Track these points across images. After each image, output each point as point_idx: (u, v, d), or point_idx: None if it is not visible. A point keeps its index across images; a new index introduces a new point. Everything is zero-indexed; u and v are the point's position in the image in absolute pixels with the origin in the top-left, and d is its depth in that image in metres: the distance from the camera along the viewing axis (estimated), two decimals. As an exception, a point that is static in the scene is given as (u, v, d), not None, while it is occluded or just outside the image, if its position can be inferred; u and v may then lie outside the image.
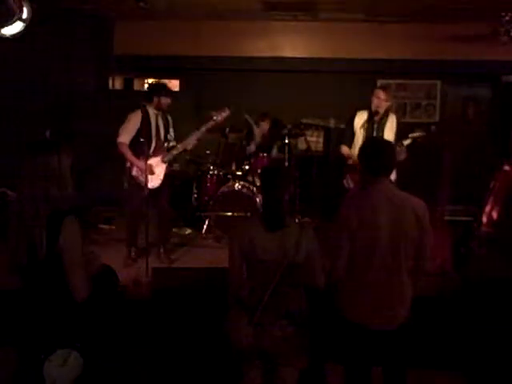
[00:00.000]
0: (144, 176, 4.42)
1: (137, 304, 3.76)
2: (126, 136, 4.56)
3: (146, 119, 4.59)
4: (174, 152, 4.70)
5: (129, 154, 4.56)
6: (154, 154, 4.65)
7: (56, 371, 2.14)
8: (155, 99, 4.60)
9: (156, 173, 4.65)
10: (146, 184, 4.41)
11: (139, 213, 4.68)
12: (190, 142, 4.70)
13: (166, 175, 4.69)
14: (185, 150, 4.81)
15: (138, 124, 4.56)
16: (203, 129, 4.73)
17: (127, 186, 4.68)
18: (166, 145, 4.73)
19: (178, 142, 4.77)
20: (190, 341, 3.48)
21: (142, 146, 4.52)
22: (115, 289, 2.99)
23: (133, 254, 4.78)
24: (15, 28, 3.62)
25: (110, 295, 2.79)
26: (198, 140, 4.76)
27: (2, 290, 2.69)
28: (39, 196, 2.15)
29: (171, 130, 4.83)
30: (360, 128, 4.60)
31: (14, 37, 3.64)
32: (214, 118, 4.74)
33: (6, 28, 3.59)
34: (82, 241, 2.24)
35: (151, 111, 4.65)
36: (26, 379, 2.22)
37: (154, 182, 4.64)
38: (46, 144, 2.33)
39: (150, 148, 4.62)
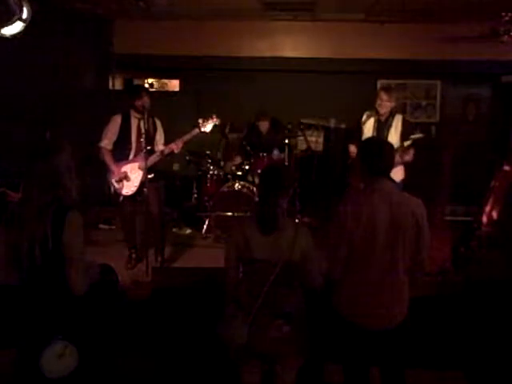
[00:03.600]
0: (118, 182, 4.47)
1: (137, 304, 3.76)
2: (105, 140, 4.51)
3: (125, 123, 4.51)
4: (152, 159, 4.48)
5: (107, 159, 4.50)
6: (132, 160, 4.54)
7: (53, 363, 2.17)
8: (134, 101, 4.45)
9: (131, 179, 4.51)
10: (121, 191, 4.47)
11: (129, 219, 4.70)
12: (172, 148, 4.52)
13: (147, 182, 4.39)
14: (169, 155, 4.61)
15: (117, 128, 4.50)
16: (187, 137, 4.57)
17: (111, 190, 4.60)
18: (145, 151, 4.39)
19: (166, 147, 4.56)
20: (189, 340, 3.48)
21: (119, 152, 4.50)
22: (115, 289, 2.99)
23: (133, 256, 4.76)
24: (15, 28, 3.61)
25: (110, 295, 2.79)
26: (183, 146, 4.58)
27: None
28: (46, 197, 2.18)
29: (160, 135, 4.66)
30: (367, 128, 4.63)
31: (14, 37, 3.64)
32: (200, 126, 4.59)
33: (5, 28, 3.59)
34: (83, 236, 2.26)
35: (133, 115, 4.53)
36: (25, 373, 2.24)
37: (128, 188, 4.53)
38: (51, 145, 2.35)
39: (128, 154, 4.53)
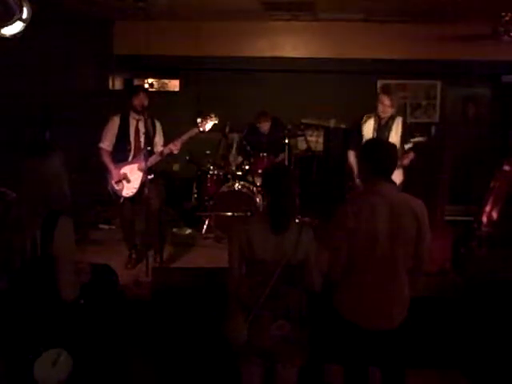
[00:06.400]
0: (117, 184, 4.46)
1: (137, 304, 3.76)
2: (106, 142, 4.50)
3: (124, 124, 4.49)
4: (152, 160, 4.44)
5: (106, 161, 4.49)
6: (132, 162, 4.52)
7: (46, 371, 2.12)
8: (132, 100, 4.44)
9: (131, 181, 4.50)
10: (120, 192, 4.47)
11: (129, 220, 4.69)
12: (171, 149, 4.48)
13: (147, 182, 4.37)
14: (169, 155, 4.58)
15: (116, 129, 4.49)
16: (185, 137, 4.52)
17: (112, 192, 4.58)
18: (144, 151, 4.40)
19: (165, 147, 4.52)
20: (189, 340, 3.48)
21: (119, 153, 4.49)
22: (115, 289, 2.99)
23: (133, 256, 4.75)
24: (15, 28, 3.60)
25: (110, 295, 2.79)
26: (181, 145, 4.52)
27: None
28: (38, 198, 2.16)
29: (159, 137, 4.62)
30: (366, 131, 4.59)
31: (14, 37, 3.64)
32: (199, 125, 4.56)
33: (5, 28, 3.58)
34: (74, 241, 2.24)
35: (132, 116, 4.52)
36: (14, 381, 2.18)
37: (129, 190, 4.51)
38: (43, 146, 2.34)
39: (127, 155, 4.51)
